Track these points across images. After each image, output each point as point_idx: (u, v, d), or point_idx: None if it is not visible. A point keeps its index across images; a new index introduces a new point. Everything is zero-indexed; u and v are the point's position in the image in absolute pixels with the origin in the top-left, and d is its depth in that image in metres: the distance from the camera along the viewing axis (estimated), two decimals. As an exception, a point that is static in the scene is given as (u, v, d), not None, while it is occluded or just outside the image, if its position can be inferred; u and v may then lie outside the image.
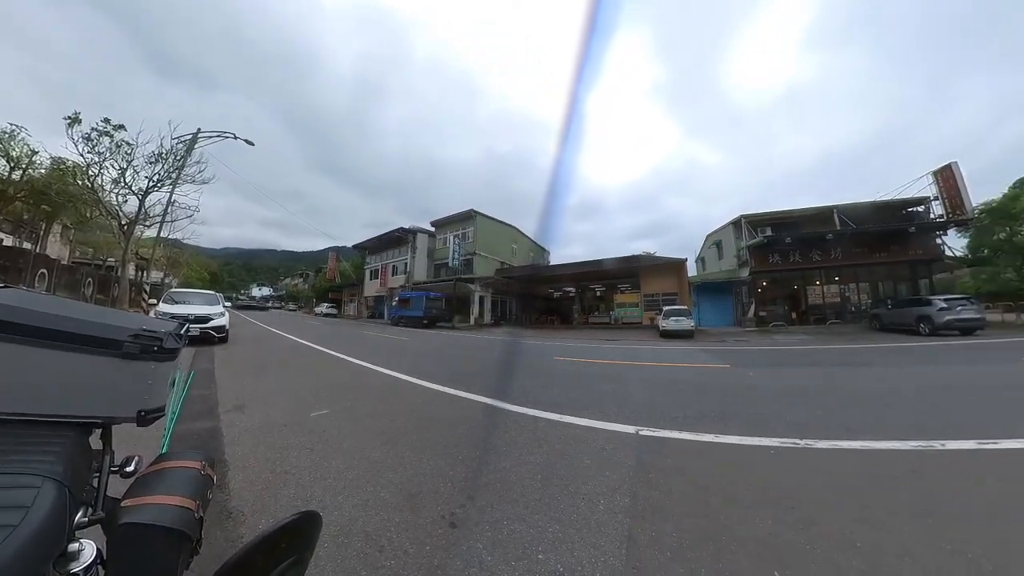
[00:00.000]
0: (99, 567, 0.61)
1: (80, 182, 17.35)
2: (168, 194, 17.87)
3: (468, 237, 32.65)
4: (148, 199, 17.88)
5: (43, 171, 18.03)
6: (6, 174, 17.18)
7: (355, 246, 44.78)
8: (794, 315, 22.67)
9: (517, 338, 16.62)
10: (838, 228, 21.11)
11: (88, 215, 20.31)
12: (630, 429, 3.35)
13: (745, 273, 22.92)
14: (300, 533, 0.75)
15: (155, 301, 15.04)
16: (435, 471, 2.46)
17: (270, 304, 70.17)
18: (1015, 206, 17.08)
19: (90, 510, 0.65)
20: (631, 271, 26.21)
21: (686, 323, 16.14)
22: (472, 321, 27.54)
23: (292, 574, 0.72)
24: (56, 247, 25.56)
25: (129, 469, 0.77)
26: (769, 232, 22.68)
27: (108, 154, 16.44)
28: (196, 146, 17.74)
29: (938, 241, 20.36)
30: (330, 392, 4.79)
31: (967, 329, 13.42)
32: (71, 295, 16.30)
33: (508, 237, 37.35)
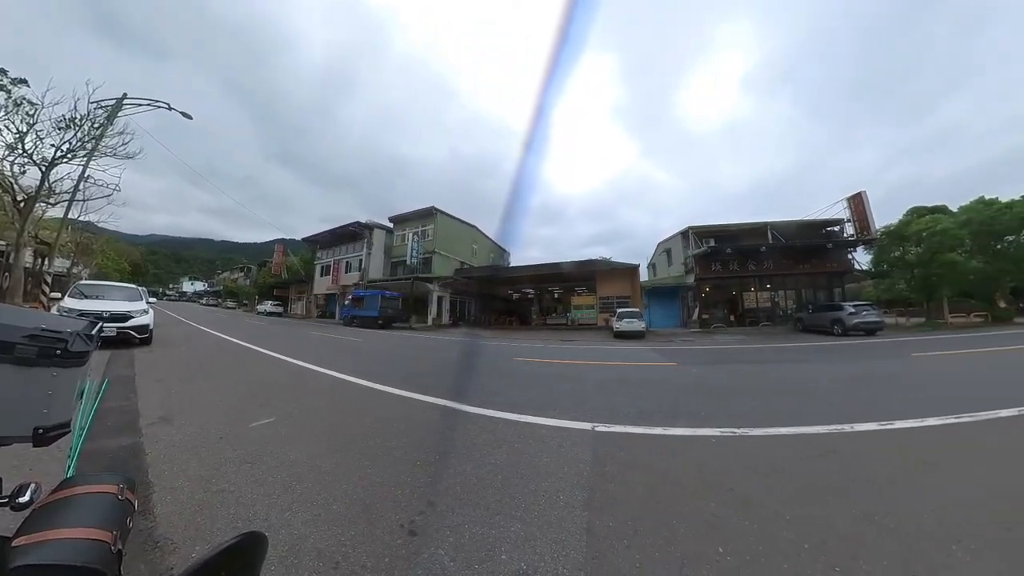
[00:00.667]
0: None
1: (-45, 143, 14.35)
2: (81, 168, 15.08)
3: (428, 235, 31.86)
4: (54, 172, 14.93)
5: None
6: None
7: (305, 239, 41.54)
8: (732, 317, 25.06)
9: (476, 339, 16.53)
10: (770, 242, 24.07)
11: (-33, 185, 16.83)
12: (587, 426, 3.46)
13: (691, 279, 24.95)
14: (242, 556, 0.67)
15: (59, 295, 12.96)
16: (392, 478, 2.37)
17: (203, 300, 63.25)
18: (906, 230, 20.24)
19: None
20: (588, 275, 27.14)
21: (638, 324, 17.04)
22: (430, 321, 26.96)
23: None
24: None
25: (23, 499, 0.64)
26: (713, 243, 24.92)
27: (1, 113, 13.78)
28: (121, 114, 15.23)
29: (849, 256, 23.87)
30: (274, 399, 4.41)
31: (870, 330, 15.64)
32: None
33: (469, 237, 37.02)
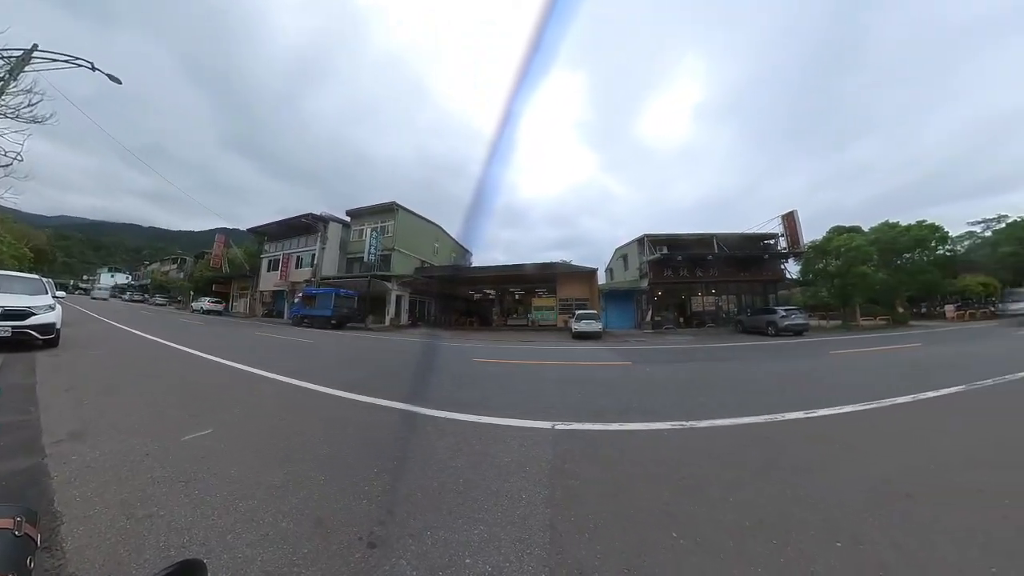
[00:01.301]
0: None
1: None
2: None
3: (388, 231, 30.66)
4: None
5: None
6: None
7: (251, 230, 37.74)
8: (681, 319, 26.87)
9: (436, 340, 16.23)
10: (716, 251, 26.57)
11: None
12: (547, 425, 3.52)
13: (645, 283, 26.54)
14: None
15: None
16: (347, 489, 2.23)
17: (126, 295, 55.91)
18: (829, 246, 23.02)
19: None
20: (549, 277, 27.66)
21: (595, 326, 17.65)
22: (387, 322, 26.04)
23: None
24: None
25: None
26: (665, 250, 26.73)
27: None
28: (32, 69, 12.81)
29: (782, 266, 27.19)
30: (213, 408, 4.00)
31: (798, 331, 17.45)
32: None
33: (431, 235, 36.21)
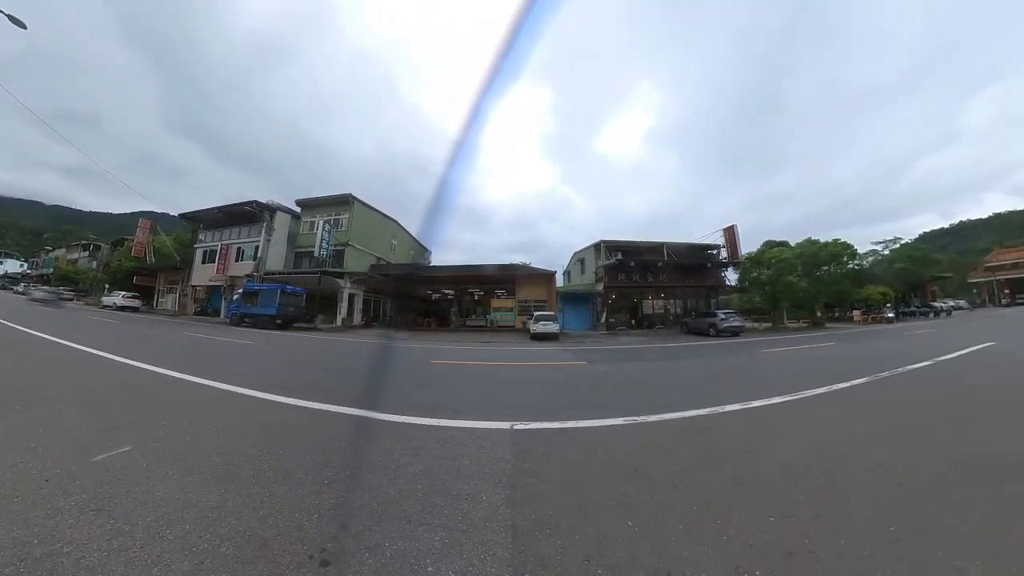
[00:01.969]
0: None
1: None
2: None
3: (342, 224, 28.94)
4: None
5: None
6: None
7: (183, 215, 33.09)
8: (633, 322, 28.41)
9: (391, 341, 15.70)
10: (666, 259, 28.64)
11: None
12: (505, 425, 3.55)
13: (600, 287, 27.91)
14: None
15: None
16: (295, 504, 2.07)
17: (21, 287, 47.31)
18: (762, 257, 25.82)
19: None
20: (508, 278, 27.82)
21: (553, 327, 18.02)
22: (339, 322, 24.70)
23: None
24: None
25: None
26: (620, 256, 28.39)
27: None
28: None
29: (723, 274, 30.17)
30: (133, 422, 3.47)
31: (735, 332, 19.10)
32: None
33: (388, 231, 34.88)
